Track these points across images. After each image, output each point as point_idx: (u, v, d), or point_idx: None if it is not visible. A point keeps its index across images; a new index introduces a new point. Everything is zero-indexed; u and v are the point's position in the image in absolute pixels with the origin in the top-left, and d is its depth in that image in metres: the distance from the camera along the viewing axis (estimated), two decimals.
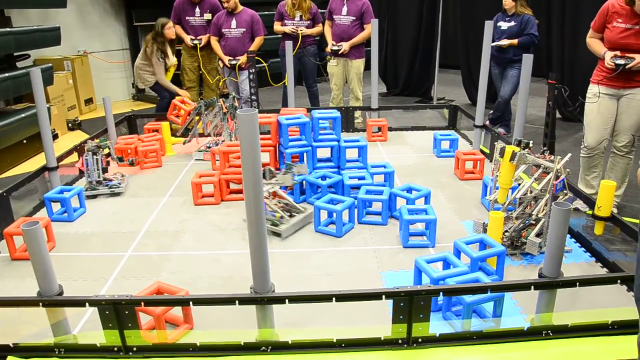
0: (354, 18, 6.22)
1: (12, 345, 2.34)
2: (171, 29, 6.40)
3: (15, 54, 6.52)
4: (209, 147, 5.05)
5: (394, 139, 5.65)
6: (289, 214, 3.56)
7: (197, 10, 6.55)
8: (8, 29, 6.09)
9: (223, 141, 4.98)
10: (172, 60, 6.53)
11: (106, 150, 4.31)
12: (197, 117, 5.16)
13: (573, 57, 7.21)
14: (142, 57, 6.43)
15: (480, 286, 2.38)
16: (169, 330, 2.45)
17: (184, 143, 5.25)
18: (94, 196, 4.15)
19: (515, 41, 6.20)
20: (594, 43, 4.07)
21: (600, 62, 4.05)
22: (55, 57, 8.03)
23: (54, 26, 6.91)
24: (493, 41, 6.22)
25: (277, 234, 3.42)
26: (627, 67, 3.78)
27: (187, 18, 6.59)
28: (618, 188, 4.23)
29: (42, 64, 6.83)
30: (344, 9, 6.25)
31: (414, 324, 2.32)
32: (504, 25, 6.33)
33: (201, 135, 5.37)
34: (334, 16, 6.34)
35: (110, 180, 4.24)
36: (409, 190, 3.77)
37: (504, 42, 6.24)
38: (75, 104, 8.16)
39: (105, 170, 4.23)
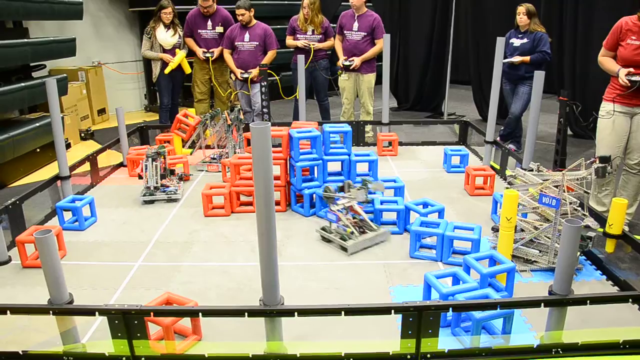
0: (365, 34, 6.26)
1: (21, 353, 2.35)
2: (167, 15, 6.54)
3: (31, 64, 6.62)
4: (213, 159, 5.10)
5: (405, 153, 5.65)
6: (361, 230, 3.46)
7: (209, 23, 6.63)
8: (25, 40, 6.19)
9: (227, 153, 5.02)
10: (167, 39, 6.64)
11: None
12: (206, 131, 5.20)
13: (585, 74, 7.20)
14: None
15: (490, 302, 2.37)
16: (177, 341, 2.46)
17: (190, 154, 5.30)
18: (152, 201, 4.25)
19: (527, 58, 6.20)
20: (606, 61, 4.07)
21: (614, 79, 4.04)
22: (70, 68, 8.15)
23: (70, 37, 7.02)
24: (505, 58, 6.22)
25: (344, 249, 3.37)
26: None
27: (199, 31, 6.66)
28: (630, 206, 4.21)
29: (57, 74, 6.93)
30: (355, 25, 6.29)
31: (422, 339, 2.30)
32: (516, 42, 6.34)
33: (207, 147, 5.40)
34: (345, 31, 6.38)
35: (167, 187, 4.33)
36: (425, 205, 3.78)
37: (516, 59, 6.25)
38: (88, 114, 8.26)
39: (163, 177, 4.33)
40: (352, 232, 3.41)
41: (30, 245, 3.24)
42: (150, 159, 4.20)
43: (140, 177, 4.50)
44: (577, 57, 7.30)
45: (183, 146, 5.46)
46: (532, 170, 3.36)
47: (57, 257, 2.20)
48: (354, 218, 3.50)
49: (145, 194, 4.24)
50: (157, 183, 4.28)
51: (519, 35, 6.34)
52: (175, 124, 5.38)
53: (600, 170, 3.07)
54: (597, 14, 6.94)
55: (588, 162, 3.18)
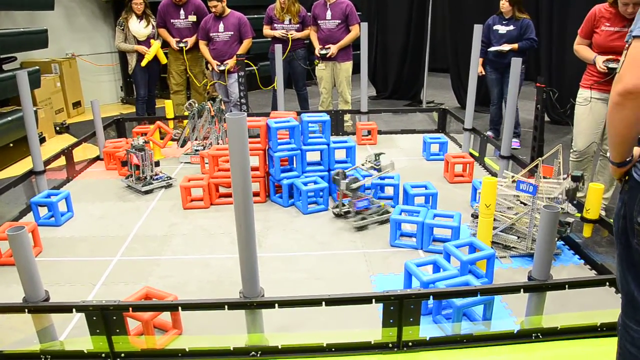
0: (339, 21, 6.22)
1: None
2: (137, 6, 6.43)
3: (1, 56, 6.46)
4: (196, 151, 5.04)
5: (384, 142, 5.65)
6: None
7: (182, 12, 6.51)
8: None
9: (210, 144, 4.97)
10: (141, 31, 6.53)
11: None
12: (188, 128, 5.14)
13: (561, 61, 7.25)
14: None
15: (470, 289, 2.38)
16: (157, 336, 2.43)
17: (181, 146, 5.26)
18: (150, 191, 4.26)
19: (515, 46, 5.99)
20: (582, 49, 4.09)
21: (590, 66, 4.06)
22: (43, 60, 7.96)
23: (41, 28, 6.85)
24: (491, 45, 6.15)
25: (384, 222, 3.61)
26: None
27: (172, 21, 6.54)
28: (606, 191, 4.25)
29: (30, 66, 6.76)
30: (328, 13, 6.24)
31: (404, 327, 2.31)
32: (501, 29, 6.15)
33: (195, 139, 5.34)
34: (319, 21, 6.33)
35: (158, 175, 4.38)
36: (427, 189, 3.85)
37: (505, 47, 6.07)
38: (63, 107, 8.10)
39: (157, 164, 4.39)
40: (385, 204, 3.69)
41: (5, 242, 3.17)
42: (139, 150, 4.20)
43: (126, 164, 4.38)
44: (554, 44, 7.34)
45: (177, 143, 5.39)
46: (506, 178, 3.38)
47: (31, 254, 2.16)
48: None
49: (144, 184, 4.24)
50: (152, 172, 4.30)
51: (504, 22, 6.20)
52: (153, 131, 5.29)
53: (571, 191, 3.12)
54: (572, 0, 6.98)
55: (563, 176, 3.21)
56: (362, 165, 3.85)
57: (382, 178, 3.94)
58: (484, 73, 6.33)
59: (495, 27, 6.19)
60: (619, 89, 1.54)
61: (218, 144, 4.92)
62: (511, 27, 6.09)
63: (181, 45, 6.49)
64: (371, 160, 3.82)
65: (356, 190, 3.60)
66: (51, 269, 3.10)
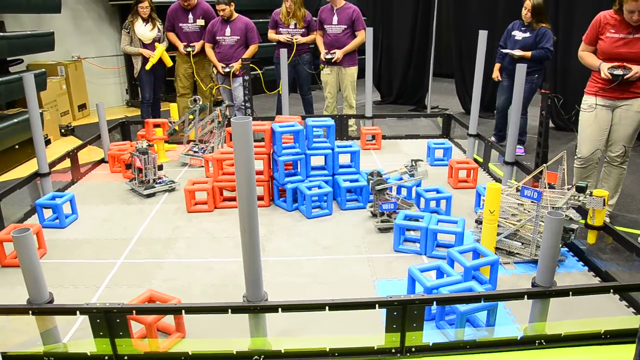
0: (346, 27, 6.24)
1: (0, 355, 2.31)
2: (144, 9, 6.47)
3: (8, 58, 6.50)
4: (196, 152, 5.05)
5: (388, 147, 5.65)
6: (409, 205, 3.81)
7: (190, 16, 6.55)
8: (1, 34, 6.07)
9: (212, 147, 4.98)
10: (146, 34, 6.57)
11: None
12: (190, 117, 5.14)
13: (565, 67, 7.25)
14: None
15: (474, 295, 2.38)
16: (160, 339, 2.43)
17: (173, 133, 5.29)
18: (153, 194, 4.27)
19: (528, 53, 5.92)
20: (586, 56, 4.09)
21: (595, 73, 4.06)
22: (49, 63, 8.01)
23: (48, 31, 6.89)
24: (505, 49, 6.12)
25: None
26: (625, 77, 3.78)
27: (180, 25, 6.58)
28: (611, 198, 4.25)
29: (36, 69, 6.80)
30: (335, 18, 6.27)
31: (407, 333, 2.31)
32: (518, 34, 6.00)
33: (192, 141, 5.35)
34: (325, 26, 6.36)
35: (161, 178, 4.38)
36: (437, 192, 3.88)
37: (517, 52, 5.96)
38: (68, 109, 8.14)
39: (160, 168, 4.39)
40: (415, 210, 3.69)
41: (10, 244, 3.18)
42: (142, 154, 4.21)
43: (136, 171, 4.37)
44: (559, 50, 7.34)
45: (166, 141, 5.41)
46: (510, 187, 3.38)
47: (35, 256, 2.16)
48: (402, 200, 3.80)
49: (146, 188, 4.25)
50: (155, 175, 4.30)
51: (522, 28, 6.05)
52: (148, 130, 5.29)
53: (580, 206, 3.13)
54: (578, 7, 6.99)
55: (567, 186, 3.21)
56: (399, 170, 3.95)
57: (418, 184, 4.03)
58: (500, 78, 6.29)
59: (513, 32, 6.10)
60: None
61: (219, 147, 4.93)
62: (527, 34, 5.96)
63: (188, 49, 6.53)
64: (407, 165, 3.88)
65: (381, 192, 3.60)
66: (55, 270, 3.11)
